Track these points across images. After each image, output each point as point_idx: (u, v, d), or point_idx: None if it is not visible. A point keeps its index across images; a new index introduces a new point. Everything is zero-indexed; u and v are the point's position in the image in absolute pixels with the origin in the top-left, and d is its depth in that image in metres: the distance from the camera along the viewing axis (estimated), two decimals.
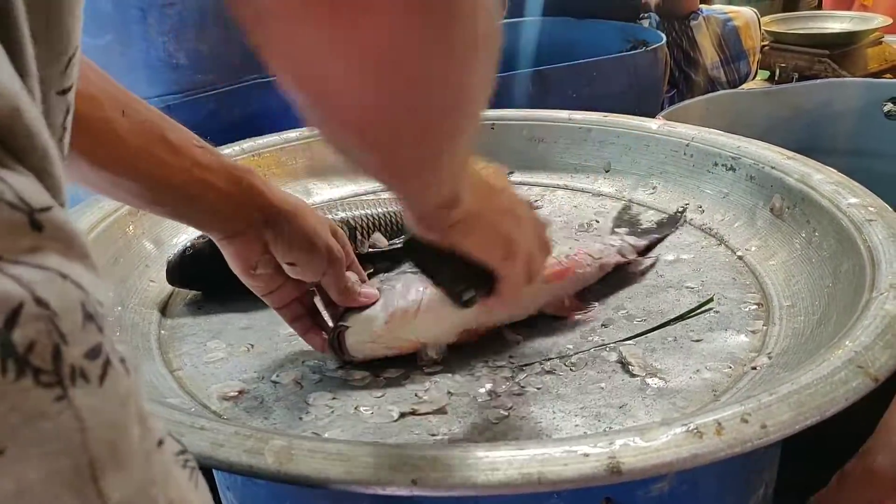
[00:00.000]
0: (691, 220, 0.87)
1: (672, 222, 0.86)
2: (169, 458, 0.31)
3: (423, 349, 0.64)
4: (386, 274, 0.69)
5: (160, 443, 0.30)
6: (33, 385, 0.24)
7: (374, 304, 0.63)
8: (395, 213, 0.84)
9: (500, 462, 0.43)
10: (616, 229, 0.86)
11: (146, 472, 0.28)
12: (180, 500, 0.30)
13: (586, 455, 0.43)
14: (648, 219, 0.88)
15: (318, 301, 0.66)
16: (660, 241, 0.83)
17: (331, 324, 0.64)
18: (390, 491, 0.43)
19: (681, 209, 0.87)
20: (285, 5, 0.32)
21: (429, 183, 0.45)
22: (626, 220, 0.88)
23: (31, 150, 0.27)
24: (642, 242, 0.81)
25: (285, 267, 0.61)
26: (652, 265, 0.79)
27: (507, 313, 0.67)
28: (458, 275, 0.55)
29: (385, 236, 0.83)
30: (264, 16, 0.33)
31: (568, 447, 0.44)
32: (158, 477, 0.29)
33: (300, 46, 0.33)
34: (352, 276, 0.64)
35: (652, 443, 0.44)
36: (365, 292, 0.64)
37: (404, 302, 0.64)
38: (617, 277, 0.76)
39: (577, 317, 0.71)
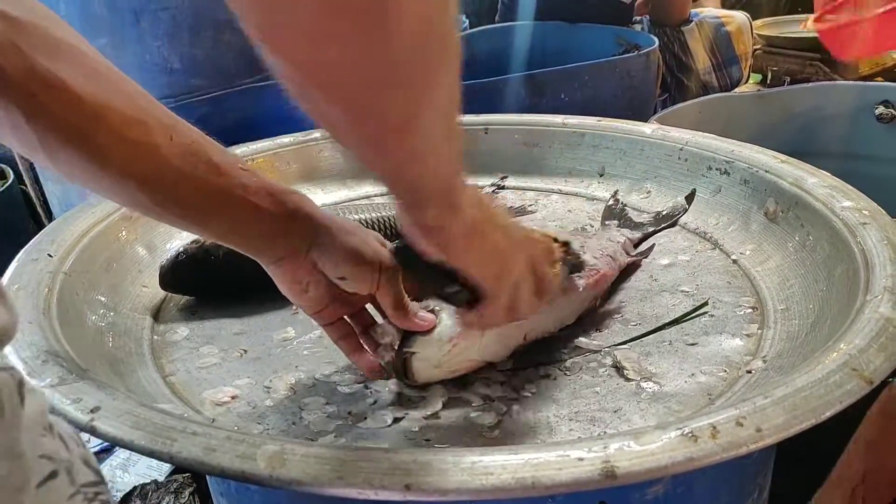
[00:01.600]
0: (685, 224, 0.87)
1: (668, 218, 0.87)
2: (60, 493, 0.29)
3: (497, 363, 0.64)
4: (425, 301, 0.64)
5: (51, 476, 0.29)
6: None
7: (434, 328, 0.60)
8: (389, 217, 0.84)
9: (494, 467, 0.43)
10: (606, 222, 0.86)
11: None
12: None
13: (581, 459, 0.43)
14: (639, 213, 0.89)
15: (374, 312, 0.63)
16: (654, 233, 0.85)
17: (383, 341, 0.61)
18: (383, 496, 0.42)
19: (687, 198, 0.88)
20: None
21: (416, 161, 0.45)
22: (616, 213, 0.89)
23: None
24: (637, 235, 0.83)
25: (338, 282, 0.59)
26: (647, 252, 0.81)
27: (559, 322, 0.68)
28: (448, 280, 0.56)
29: None
30: None
31: (562, 451, 0.44)
32: None
33: None
34: (405, 294, 0.61)
35: (647, 447, 0.44)
36: (422, 315, 0.60)
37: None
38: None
39: (602, 310, 0.73)
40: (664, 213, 0.88)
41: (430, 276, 0.56)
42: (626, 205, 0.90)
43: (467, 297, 0.56)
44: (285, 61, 0.38)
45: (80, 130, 0.50)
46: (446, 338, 0.59)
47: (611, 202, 0.91)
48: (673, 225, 0.87)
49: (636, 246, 0.83)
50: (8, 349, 0.57)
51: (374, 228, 0.83)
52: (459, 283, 0.56)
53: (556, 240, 0.64)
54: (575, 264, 0.66)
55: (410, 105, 0.41)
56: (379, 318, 0.62)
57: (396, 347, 0.59)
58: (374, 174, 0.49)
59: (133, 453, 1.15)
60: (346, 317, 0.62)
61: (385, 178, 0.48)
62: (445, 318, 0.60)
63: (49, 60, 0.49)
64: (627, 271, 0.78)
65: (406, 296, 0.60)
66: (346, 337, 0.62)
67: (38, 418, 0.30)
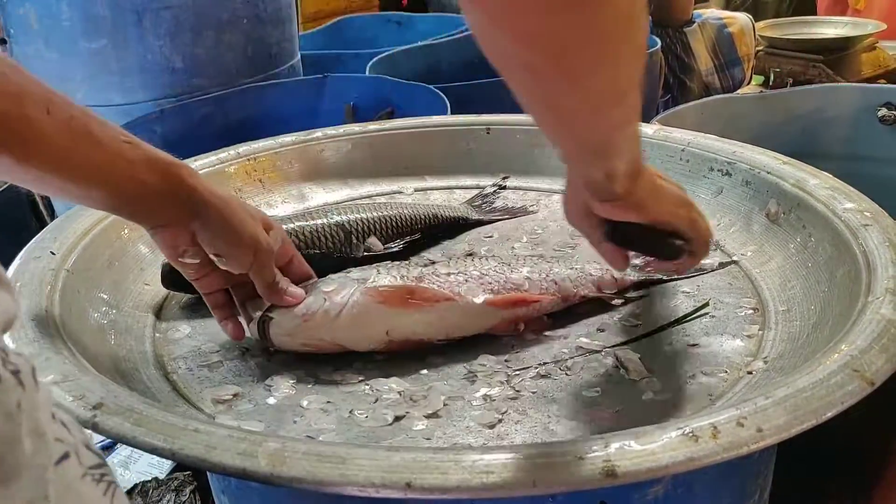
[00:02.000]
0: None
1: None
2: (73, 473, 0.30)
3: None
4: (334, 274, 0.70)
5: (65, 457, 0.29)
6: None
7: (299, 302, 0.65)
8: (390, 216, 0.84)
9: (494, 465, 0.43)
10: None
11: (37, 488, 0.27)
12: None
13: (581, 458, 0.43)
14: None
15: (234, 293, 0.68)
16: (659, 282, 0.76)
17: (254, 314, 0.66)
18: (384, 494, 0.42)
19: (725, 262, 0.78)
20: None
21: (618, 131, 0.52)
22: None
23: None
24: (631, 278, 0.75)
25: (214, 258, 0.63)
26: (633, 300, 0.74)
27: (440, 331, 0.66)
28: (659, 236, 0.63)
29: (380, 240, 0.83)
30: None
31: (563, 450, 0.44)
32: (53, 493, 0.28)
33: None
34: (279, 274, 0.66)
35: (647, 446, 0.44)
36: (291, 291, 0.66)
37: (328, 304, 0.65)
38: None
39: (528, 336, 0.69)
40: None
41: (643, 241, 0.64)
42: None
43: (679, 245, 0.64)
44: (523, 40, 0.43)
45: None
46: (300, 313, 0.64)
47: None
48: (682, 279, 0.77)
49: (631, 288, 0.75)
50: (11, 347, 0.57)
51: (374, 228, 0.83)
52: (667, 236, 0.63)
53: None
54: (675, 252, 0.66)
55: (624, 78, 0.48)
56: None
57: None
58: (575, 154, 0.56)
59: (134, 451, 1.16)
60: (228, 288, 0.67)
61: (586, 153, 0.55)
62: (309, 298, 0.65)
63: None
64: (589, 303, 0.73)
65: (279, 275, 0.66)
66: (221, 306, 0.67)
67: (47, 404, 0.30)
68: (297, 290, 0.66)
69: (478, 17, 0.43)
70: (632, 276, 0.75)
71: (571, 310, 0.72)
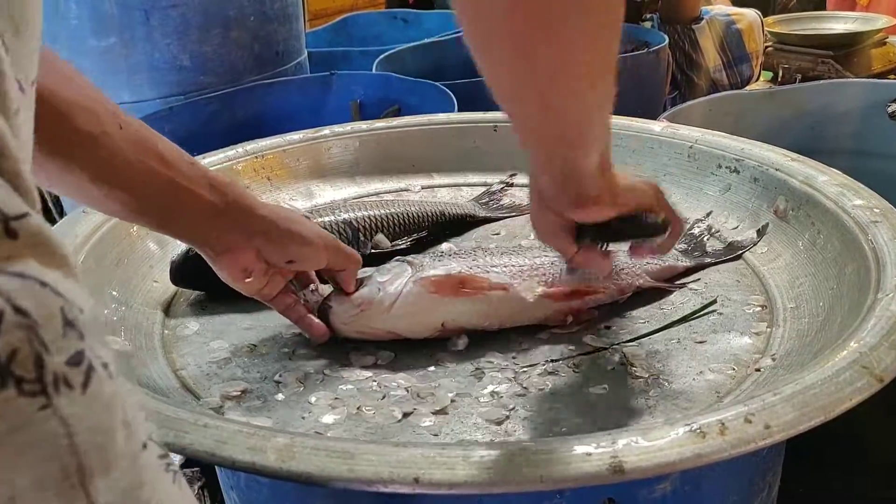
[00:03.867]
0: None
1: (733, 249, 0.79)
2: (153, 460, 0.31)
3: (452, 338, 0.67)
4: (390, 263, 0.70)
5: (145, 446, 0.30)
6: (17, 395, 0.24)
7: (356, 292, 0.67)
8: (397, 214, 0.84)
9: (502, 461, 0.43)
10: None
11: (134, 474, 0.28)
12: (166, 500, 0.30)
13: (588, 454, 0.43)
14: (713, 242, 0.81)
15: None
16: (709, 265, 0.77)
17: (313, 298, 0.69)
18: (392, 489, 0.42)
19: (759, 231, 0.79)
20: None
21: (593, 116, 0.52)
22: (690, 237, 0.82)
23: (4, 156, 0.26)
24: (684, 263, 0.76)
25: (286, 266, 0.63)
26: (688, 284, 0.75)
27: (493, 321, 0.68)
28: (639, 219, 0.63)
29: (388, 237, 0.83)
30: None
31: (570, 446, 0.44)
32: (145, 479, 0.29)
33: None
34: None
35: (655, 442, 0.44)
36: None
37: (382, 294, 0.66)
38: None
39: (575, 328, 0.69)
40: (731, 242, 0.80)
41: (619, 232, 0.63)
42: (712, 228, 0.83)
43: (661, 221, 0.65)
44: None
45: (35, 120, 0.50)
46: (356, 303, 0.66)
47: (697, 225, 0.83)
48: (736, 258, 0.78)
49: (682, 275, 0.76)
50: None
51: (382, 225, 0.83)
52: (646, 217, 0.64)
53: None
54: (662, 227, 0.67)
55: (605, 54, 0.48)
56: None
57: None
58: (550, 149, 0.55)
59: None
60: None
61: (562, 145, 0.54)
62: (364, 289, 0.67)
63: None
64: (645, 293, 0.74)
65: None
66: (291, 307, 0.67)
67: (125, 396, 0.31)
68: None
69: None
70: (683, 261, 0.77)
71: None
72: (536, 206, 0.61)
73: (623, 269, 0.72)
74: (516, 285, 0.67)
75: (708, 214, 0.85)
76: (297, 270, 0.66)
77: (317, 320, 0.67)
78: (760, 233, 0.79)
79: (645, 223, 0.64)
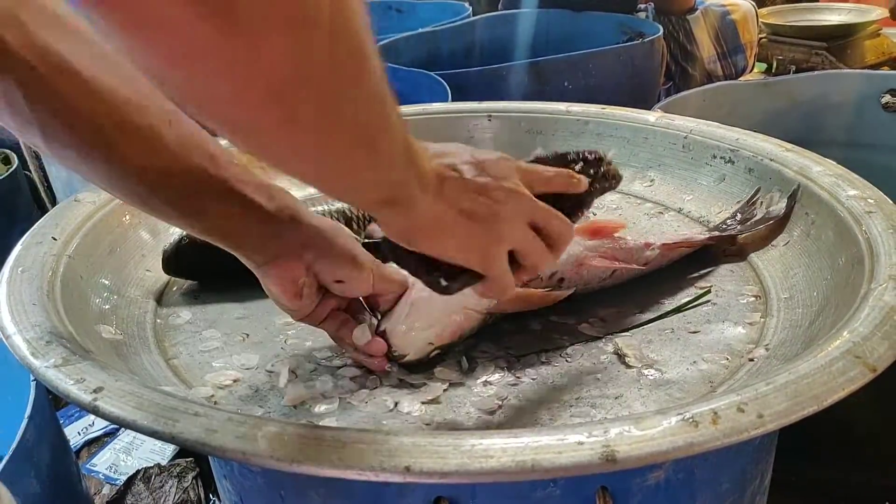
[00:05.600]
0: (688, 212, 0.86)
1: (765, 220, 0.78)
2: None
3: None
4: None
5: None
6: None
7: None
8: None
9: (493, 449, 0.43)
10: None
11: None
12: None
13: (580, 443, 0.43)
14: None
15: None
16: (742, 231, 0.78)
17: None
18: (384, 478, 0.42)
19: (795, 190, 0.77)
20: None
21: (352, 174, 0.43)
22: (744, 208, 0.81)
23: None
24: (701, 237, 0.76)
25: (333, 286, 0.59)
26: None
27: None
28: (433, 265, 0.53)
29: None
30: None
31: (562, 435, 0.44)
32: None
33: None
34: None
35: (647, 431, 0.44)
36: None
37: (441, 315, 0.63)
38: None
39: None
40: (762, 215, 0.79)
41: (414, 264, 0.54)
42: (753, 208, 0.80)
43: (451, 283, 0.54)
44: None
45: (80, 111, 0.49)
46: (404, 307, 0.62)
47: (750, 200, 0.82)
48: (786, 218, 0.76)
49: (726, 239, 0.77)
50: (12, 330, 0.57)
51: None
52: (445, 268, 0.53)
53: (583, 160, 0.61)
54: (605, 184, 0.62)
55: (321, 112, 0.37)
56: None
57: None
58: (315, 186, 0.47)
59: (136, 437, 1.16)
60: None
61: (323, 185, 0.46)
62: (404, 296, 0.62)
63: (52, 37, 0.48)
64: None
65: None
66: (343, 327, 0.61)
67: None
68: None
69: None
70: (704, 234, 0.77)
71: (572, 297, 0.71)
72: None
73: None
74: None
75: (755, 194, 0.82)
76: (344, 294, 0.60)
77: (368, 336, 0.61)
78: (792, 198, 0.76)
79: (433, 278, 0.55)
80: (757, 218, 0.78)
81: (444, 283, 0.54)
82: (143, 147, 0.52)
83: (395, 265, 0.57)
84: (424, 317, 0.62)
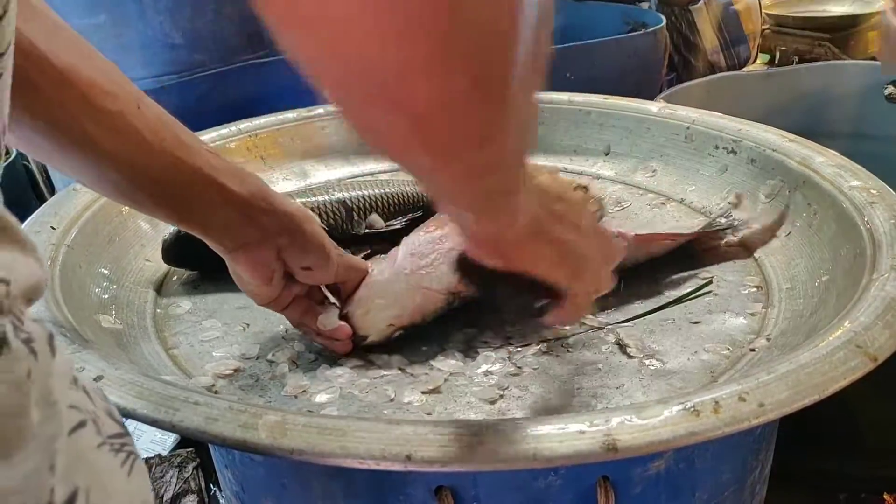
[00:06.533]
0: (690, 202, 0.86)
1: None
2: (88, 442, 0.29)
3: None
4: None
5: (81, 425, 0.29)
6: None
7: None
8: (392, 193, 0.83)
9: (495, 438, 0.43)
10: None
11: (42, 458, 0.26)
12: (95, 486, 0.29)
13: (582, 432, 0.43)
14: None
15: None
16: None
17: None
18: (384, 466, 0.42)
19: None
20: None
21: (490, 174, 0.39)
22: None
23: None
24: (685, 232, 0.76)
25: (299, 272, 0.60)
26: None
27: None
28: (523, 286, 0.51)
29: (382, 217, 0.82)
30: None
31: (564, 424, 0.44)
32: (61, 463, 0.27)
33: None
34: None
35: (649, 420, 0.44)
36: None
37: (387, 264, 0.65)
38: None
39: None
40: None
41: (499, 285, 0.53)
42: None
43: (542, 305, 0.54)
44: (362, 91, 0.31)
45: (48, 96, 0.48)
46: (364, 290, 0.63)
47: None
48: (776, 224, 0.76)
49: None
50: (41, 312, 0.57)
51: (376, 205, 0.82)
52: (532, 288, 0.51)
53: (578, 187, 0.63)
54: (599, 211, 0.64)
55: (493, 115, 0.34)
56: None
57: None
58: (430, 187, 0.44)
59: (137, 428, 1.16)
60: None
61: (445, 193, 0.42)
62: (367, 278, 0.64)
63: (20, 21, 0.47)
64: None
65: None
66: (306, 314, 0.62)
67: (67, 370, 0.30)
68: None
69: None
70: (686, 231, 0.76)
71: None
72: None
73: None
74: None
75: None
76: (309, 282, 0.61)
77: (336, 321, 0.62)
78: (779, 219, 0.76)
79: (516, 298, 0.58)
80: (743, 220, 0.78)
81: (535, 304, 0.54)
82: (113, 133, 0.51)
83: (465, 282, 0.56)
84: (383, 298, 0.63)
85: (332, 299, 0.65)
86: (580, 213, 0.52)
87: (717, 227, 0.77)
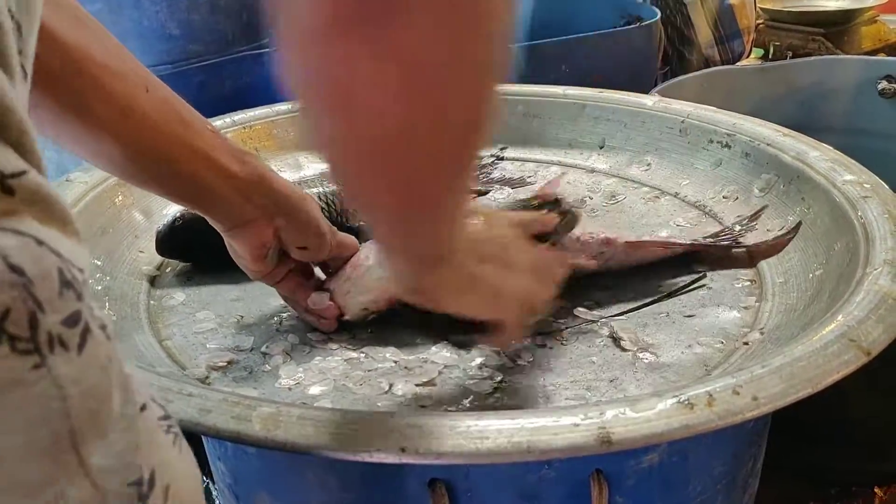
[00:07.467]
0: (685, 196, 0.86)
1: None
2: (152, 423, 0.30)
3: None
4: None
5: (143, 408, 0.30)
6: (9, 352, 0.24)
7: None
8: None
9: (489, 430, 0.43)
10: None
11: (128, 438, 0.28)
12: (163, 465, 0.30)
13: (576, 425, 0.43)
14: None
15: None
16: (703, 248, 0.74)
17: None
18: (378, 458, 0.42)
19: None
20: (325, 24, 0.32)
21: (433, 222, 0.43)
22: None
23: (8, 127, 0.26)
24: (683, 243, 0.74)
25: (295, 251, 0.61)
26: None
27: None
28: (450, 323, 0.57)
29: None
30: (302, 38, 0.33)
31: (558, 417, 0.44)
32: (142, 442, 0.28)
33: (335, 64, 0.33)
34: None
35: (643, 413, 0.44)
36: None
37: (368, 251, 0.66)
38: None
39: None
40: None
41: (429, 322, 0.60)
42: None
43: (475, 341, 0.61)
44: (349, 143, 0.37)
45: (58, 76, 0.49)
46: (347, 270, 0.65)
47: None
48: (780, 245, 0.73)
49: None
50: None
51: None
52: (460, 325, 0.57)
53: (544, 203, 0.66)
54: (568, 223, 0.66)
55: (455, 174, 0.40)
56: None
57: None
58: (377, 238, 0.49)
59: None
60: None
61: (387, 246, 0.47)
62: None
63: None
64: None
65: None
66: (298, 288, 0.64)
67: (123, 356, 0.31)
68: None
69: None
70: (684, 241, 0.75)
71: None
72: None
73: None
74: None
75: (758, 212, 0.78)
76: (304, 260, 0.63)
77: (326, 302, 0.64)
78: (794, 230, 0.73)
79: (449, 329, 0.62)
80: (748, 238, 0.75)
81: (463, 339, 0.60)
82: (119, 113, 0.52)
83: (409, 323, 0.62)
84: (363, 282, 0.64)
85: (320, 273, 0.67)
86: (510, 250, 0.55)
87: (717, 242, 0.75)
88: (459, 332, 0.61)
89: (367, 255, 0.65)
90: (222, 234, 0.60)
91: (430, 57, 0.32)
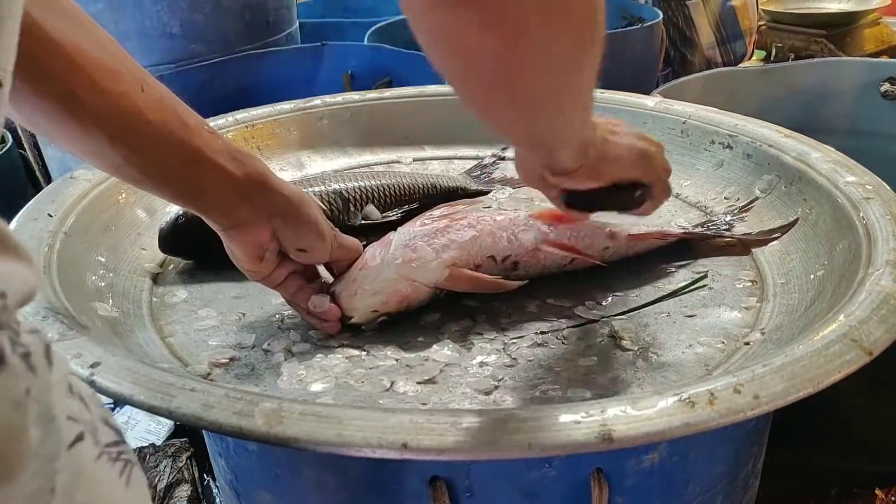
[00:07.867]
0: (686, 197, 0.86)
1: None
2: (87, 455, 0.28)
3: None
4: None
5: (78, 439, 0.28)
6: None
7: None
8: (388, 185, 0.84)
9: (490, 427, 0.43)
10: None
11: (44, 479, 0.25)
12: (100, 502, 0.28)
13: (577, 423, 0.43)
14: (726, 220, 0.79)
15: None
16: (697, 237, 0.76)
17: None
18: (380, 454, 0.42)
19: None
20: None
21: (574, 117, 0.52)
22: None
23: None
24: (676, 231, 0.76)
25: (294, 253, 0.61)
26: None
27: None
28: (610, 197, 0.64)
29: (378, 208, 0.82)
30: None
31: (560, 414, 0.44)
32: (62, 481, 0.26)
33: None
34: None
35: (644, 411, 0.44)
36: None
37: (374, 251, 0.66)
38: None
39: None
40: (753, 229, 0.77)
41: (602, 201, 0.65)
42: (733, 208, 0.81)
43: (638, 196, 0.66)
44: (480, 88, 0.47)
45: (53, 75, 0.49)
46: (353, 273, 0.65)
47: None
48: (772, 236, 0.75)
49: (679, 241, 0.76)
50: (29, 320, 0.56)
51: (372, 196, 0.82)
52: (626, 190, 0.65)
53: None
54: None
55: (587, 76, 0.48)
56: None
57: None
58: (517, 138, 0.56)
59: (131, 417, 1.16)
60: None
61: (531, 140, 0.55)
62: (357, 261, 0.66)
63: (25, 1, 0.47)
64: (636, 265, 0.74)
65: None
66: (299, 291, 0.64)
67: (63, 378, 0.29)
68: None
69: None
70: (678, 229, 0.77)
71: (569, 278, 0.72)
72: (517, 151, 0.62)
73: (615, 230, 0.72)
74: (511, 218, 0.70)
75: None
76: (303, 262, 0.63)
77: (327, 304, 0.64)
78: (785, 228, 0.74)
79: (622, 199, 0.66)
80: (743, 229, 0.77)
81: (637, 194, 0.65)
82: (116, 113, 0.51)
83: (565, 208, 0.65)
84: (371, 284, 0.64)
85: (326, 275, 0.67)
86: (625, 129, 0.64)
87: (710, 231, 0.77)
88: (621, 205, 0.67)
89: (374, 255, 0.65)
90: (220, 234, 0.60)
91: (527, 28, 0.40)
